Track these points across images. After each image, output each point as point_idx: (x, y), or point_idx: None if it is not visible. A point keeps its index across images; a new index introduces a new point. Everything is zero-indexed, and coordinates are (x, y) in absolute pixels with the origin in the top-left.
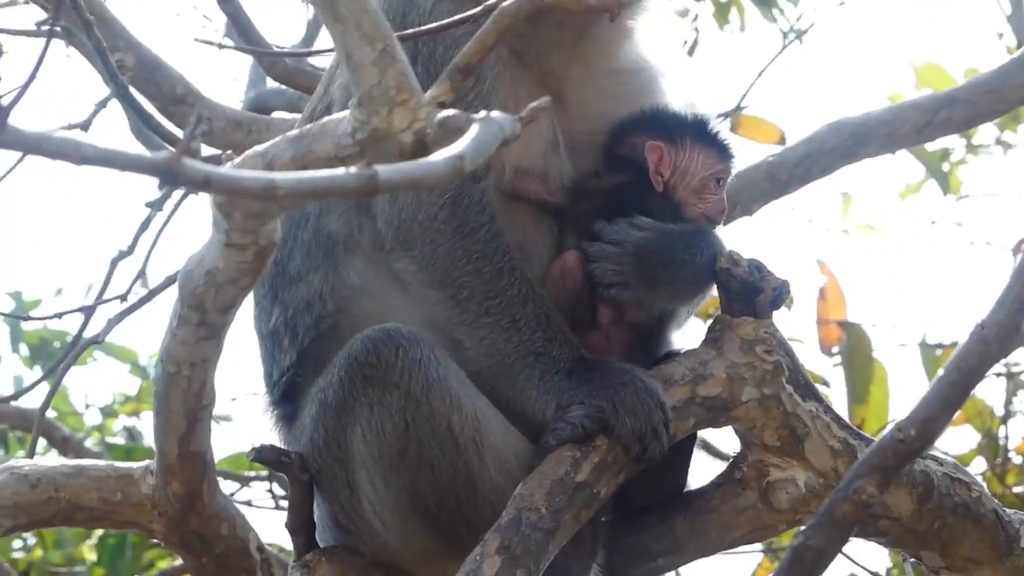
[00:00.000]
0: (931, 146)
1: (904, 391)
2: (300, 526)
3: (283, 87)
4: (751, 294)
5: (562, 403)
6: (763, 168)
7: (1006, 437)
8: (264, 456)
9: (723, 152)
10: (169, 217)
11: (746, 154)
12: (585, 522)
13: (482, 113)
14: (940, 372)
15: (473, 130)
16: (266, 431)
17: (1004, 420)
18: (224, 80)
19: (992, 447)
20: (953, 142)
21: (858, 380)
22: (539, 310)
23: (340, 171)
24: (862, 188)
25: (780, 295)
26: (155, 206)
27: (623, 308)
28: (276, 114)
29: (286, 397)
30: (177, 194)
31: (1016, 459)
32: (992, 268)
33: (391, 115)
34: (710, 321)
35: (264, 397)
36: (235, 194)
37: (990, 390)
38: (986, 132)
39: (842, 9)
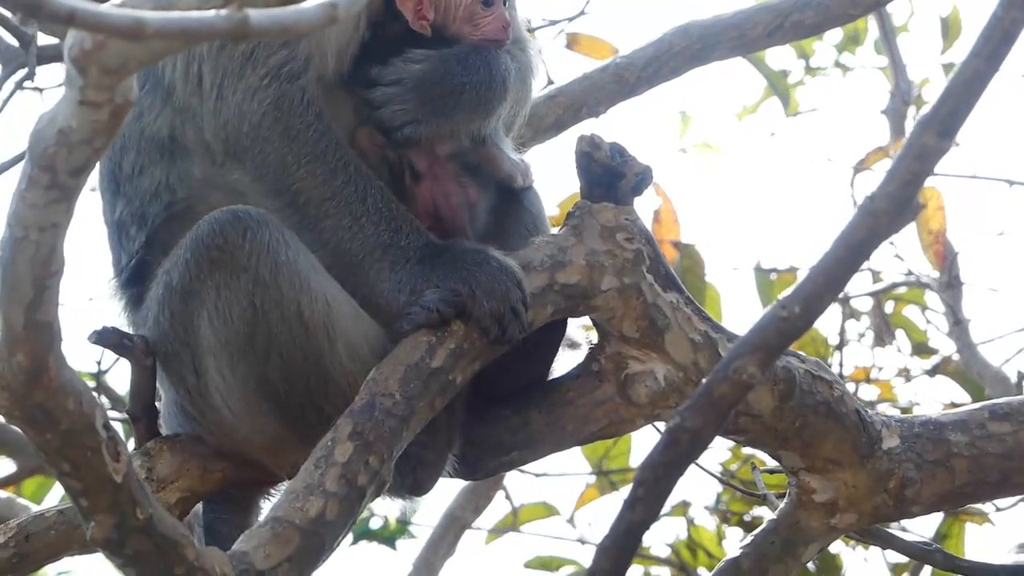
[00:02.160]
0: (771, 65)
1: (738, 314)
2: (142, 413)
3: None
4: (613, 179)
5: (416, 289)
6: (610, 70)
7: (840, 364)
8: (105, 339)
9: None
10: (1, 107)
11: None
12: (440, 410)
13: None
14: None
15: None
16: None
17: (839, 348)
18: None
19: None
20: (791, 63)
21: None
22: (380, 203)
23: (211, 13)
24: (700, 108)
25: (642, 181)
26: None
27: (430, 145)
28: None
29: (134, 279)
30: (8, 87)
31: (850, 387)
32: (831, 186)
33: None
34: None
35: (112, 282)
36: (101, 30)
37: (822, 317)
38: (824, 54)
39: None
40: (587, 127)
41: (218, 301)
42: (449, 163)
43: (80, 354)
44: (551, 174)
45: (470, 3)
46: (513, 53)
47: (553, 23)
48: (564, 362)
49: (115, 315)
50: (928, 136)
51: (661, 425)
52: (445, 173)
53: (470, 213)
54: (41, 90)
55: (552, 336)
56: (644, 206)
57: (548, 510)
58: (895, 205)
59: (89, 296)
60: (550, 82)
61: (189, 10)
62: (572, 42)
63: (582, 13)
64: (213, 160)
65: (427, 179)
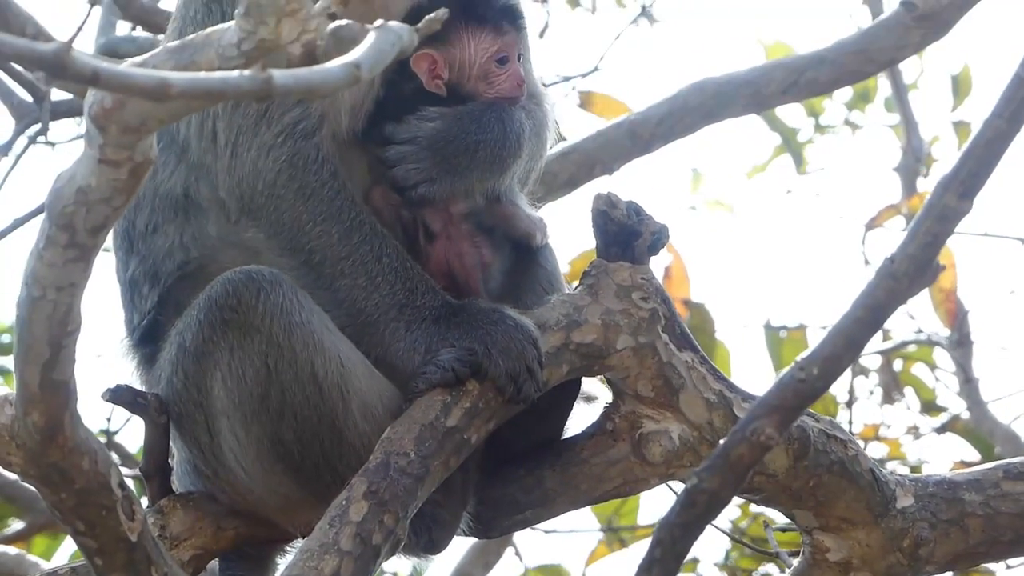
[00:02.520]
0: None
1: (748, 372)
2: (155, 471)
3: (134, 34)
4: (629, 238)
5: (431, 348)
6: (624, 127)
7: (850, 422)
8: (119, 396)
9: (496, 28)
10: (15, 163)
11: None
12: (455, 469)
13: (378, 22)
14: (846, 309)
15: (369, 39)
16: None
17: (848, 405)
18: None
19: None
20: (801, 121)
21: None
22: (395, 262)
23: (235, 73)
24: (711, 165)
25: (659, 240)
26: (2, 150)
27: (444, 204)
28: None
29: (146, 338)
30: (21, 142)
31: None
32: (843, 243)
33: (280, 25)
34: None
35: (124, 341)
36: (125, 91)
37: None
38: (833, 112)
39: None
40: (601, 184)
41: (231, 362)
42: (464, 223)
43: (90, 411)
44: (564, 231)
45: (484, 62)
46: (528, 108)
47: (566, 79)
48: (578, 420)
49: (127, 374)
50: (949, 197)
51: (675, 484)
52: (459, 233)
53: (484, 273)
54: (54, 144)
55: (567, 395)
56: (655, 263)
57: (558, 573)
58: (915, 267)
59: (98, 353)
60: (562, 139)
61: (211, 69)
62: (586, 102)
63: (595, 70)
64: (228, 217)
65: (441, 239)
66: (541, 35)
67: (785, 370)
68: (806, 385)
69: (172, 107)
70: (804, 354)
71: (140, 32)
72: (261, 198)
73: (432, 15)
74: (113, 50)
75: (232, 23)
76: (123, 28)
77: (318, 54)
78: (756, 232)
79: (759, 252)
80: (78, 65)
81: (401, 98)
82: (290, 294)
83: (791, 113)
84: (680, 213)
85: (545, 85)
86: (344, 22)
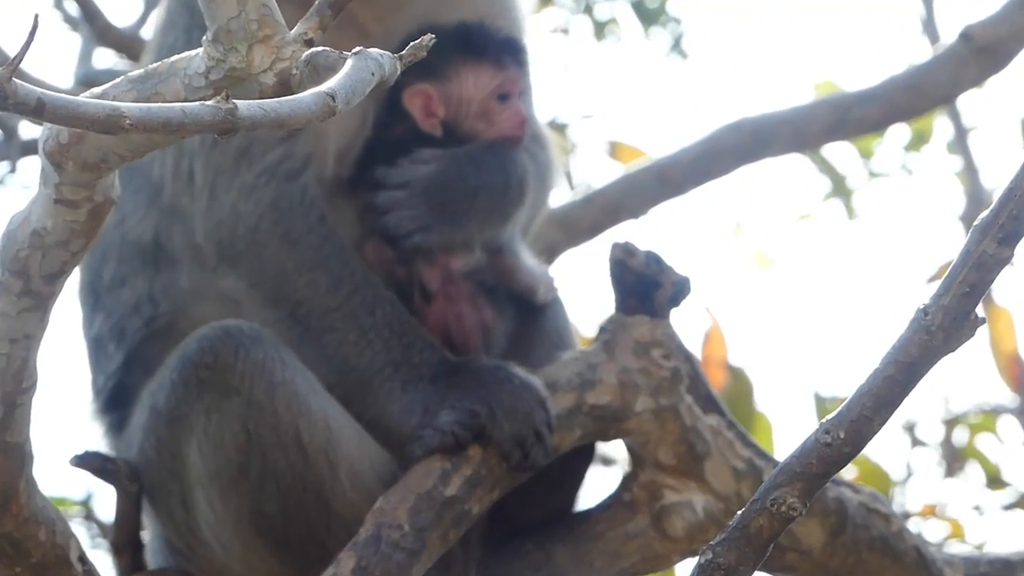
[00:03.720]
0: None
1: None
2: (126, 545)
3: (114, 66)
4: (648, 290)
5: (429, 410)
6: (653, 170)
7: (905, 498)
8: (87, 462)
9: (497, 62)
10: None
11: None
12: (454, 543)
13: (356, 49)
14: (876, 366)
15: (346, 68)
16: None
17: (904, 481)
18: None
19: None
20: (852, 164)
21: None
22: (390, 315)
23: (196, 104)
24: (751, 209)
25: (680, 292)
26: None
27: (443, 259)
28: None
29: (113, 403)
30: None
31: (916, 524)
32: (901, 300)
33: (251, 53)
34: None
35: (90, 405)
36: (74, 123)
37: (885, 448)
38: (889, 155)
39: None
40: (627, 231)
41: (208, 426)
42: (463, 281)
43: (67, 479)
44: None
45: (484, 98)
46: (531, 151)
47: (589, 118)
48: (592, 490)
49: (97, 440)
50: (987, 243)
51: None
52: (459, 293)
53: (486, 338)
54: (27, 187)
55: (579, 462)
56: (689, 325)
57: None
58: (951, 320)
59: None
60: (571, 185)
61: (177, 100)
62: (615, 152)
63: (620, 108)
64: (204, 265)
65: (439, 299)
66: (565, 69)
67: (809, 434)
68: (832, 450)
69: (133, 142)
70: (829, 416)
71: (123, 62)
72: (241, 244)
73: (416, 41)
74: (93, 81)
75: (199, 51)
76: (108, 58)
77: (293, 84)
78: (803, 287)
79: (807, 309)
80: (20, 94)
81: (393, 139)
82: (272, 351)
83: (842, 155)
84: (718, 266)
85: (563, 125)
86: (321, 49)
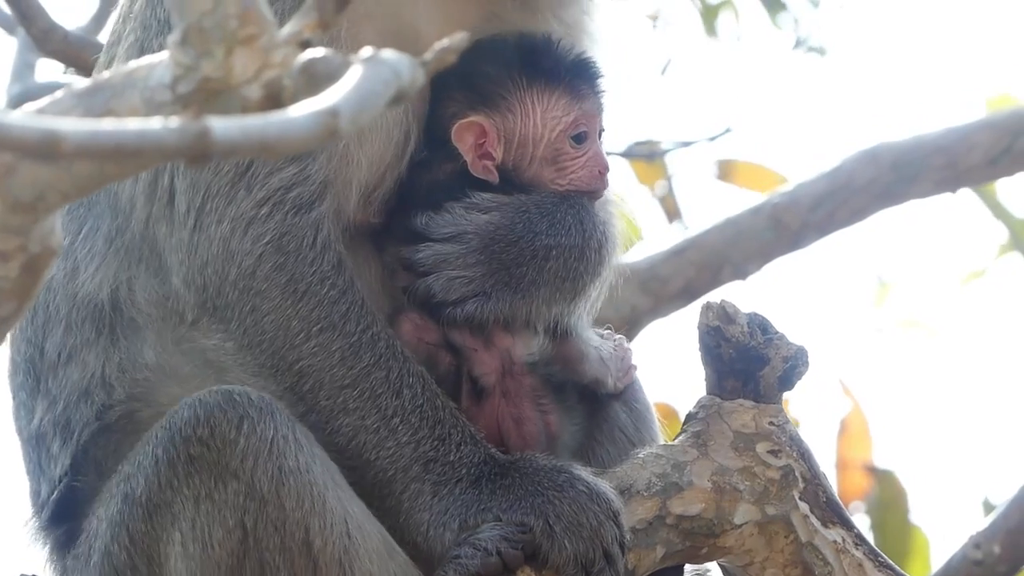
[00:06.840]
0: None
1: None
2: None
3: (58, 80)
4: (751, 366)
5: (468, 522)
6: (765, 212)
7: None
8: None
9: (573, 90)
10: None
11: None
12: None
13: (366, 51)
14: None
15: (354, 76)
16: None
17: None
18: None
19: None
20: None
21: (888, 549)
22: (421, 397)
23: (155, 123)
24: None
25: (795, 368)
26: None
27: (501, 340)
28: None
29: (60, 516)
30: None
31: None
32: None
33: (230, 58)
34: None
35: (29, 520)
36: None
37: None
38: None
39: (881, 19)
40: (729, 293)
41: (196, 518)
42: (526, 374)
43: None
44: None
45: (555, 138)
46: (607, 208)
47: (686, 145)
48: None
49: (38, 564)
50: None
51: None
52: (520, 389)
53: (549, 446)
54: None
55: None
56: (816, 412)
57: None
58: None
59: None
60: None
61: (134, 116)
62: (725, 172)
63: (727, 131)
64: (181, 317)
65: (495, 396)
66: (663, 71)
67: (957, 548)
68: (984, 569)
69: (78, 174)
70: (980, 528)
71: (72, 75)
72: (233, 291)
73: (444, 40)
74: (32, 99)
75: (164, 55)
76: (54, 70)
77: (284, 98)
78: (970, 363)
79: (975, 392)
80: None
81: (435, 183)
82: (285, 428)
83: (1015, 189)
84: (859, 337)
85: (660, 154)
86: (321, 53)
